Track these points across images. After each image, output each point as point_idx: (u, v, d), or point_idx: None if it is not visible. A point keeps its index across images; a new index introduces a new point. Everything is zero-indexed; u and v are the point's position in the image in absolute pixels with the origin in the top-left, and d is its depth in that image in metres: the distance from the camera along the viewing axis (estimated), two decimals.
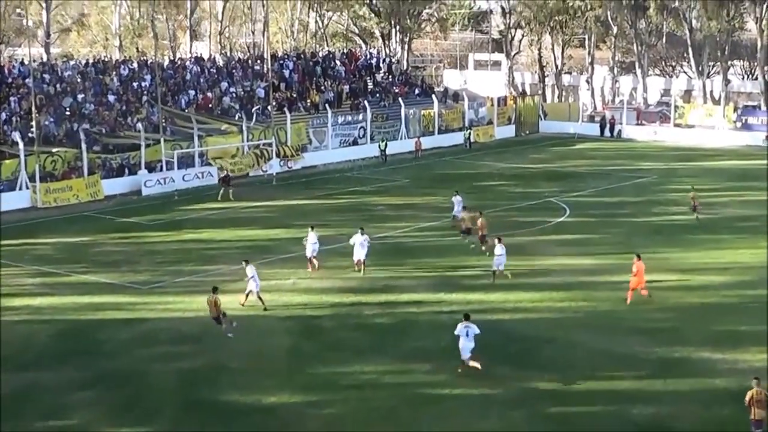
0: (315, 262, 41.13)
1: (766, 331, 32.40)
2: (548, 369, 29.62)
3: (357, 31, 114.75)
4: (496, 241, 39.47)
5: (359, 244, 40.69)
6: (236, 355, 31.25)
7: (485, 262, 40.95)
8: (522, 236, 47.30)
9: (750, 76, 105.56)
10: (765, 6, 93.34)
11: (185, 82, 76.74)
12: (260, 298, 35.99)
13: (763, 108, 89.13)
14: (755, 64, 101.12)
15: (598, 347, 31.21)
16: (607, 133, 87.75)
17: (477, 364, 28.94)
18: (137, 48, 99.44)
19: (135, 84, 73.62)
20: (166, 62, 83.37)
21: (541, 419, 26.36)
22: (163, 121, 65.81)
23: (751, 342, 31.43)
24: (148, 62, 79.14)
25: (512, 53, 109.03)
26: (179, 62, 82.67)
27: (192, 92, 75.00)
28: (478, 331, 29.12)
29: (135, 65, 78.02)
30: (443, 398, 27.76)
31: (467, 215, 45.71)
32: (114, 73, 74.60)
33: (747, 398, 24.04)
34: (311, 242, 41.20)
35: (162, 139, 63.45)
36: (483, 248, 43.04)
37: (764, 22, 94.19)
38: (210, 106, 74.38)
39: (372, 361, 30.64)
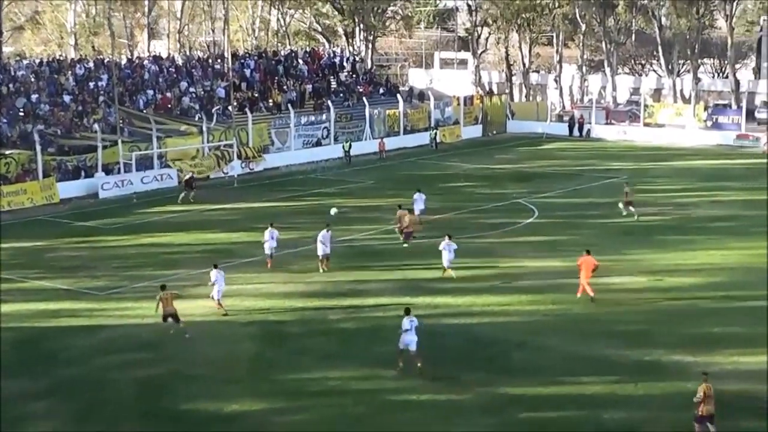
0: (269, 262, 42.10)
1: (739, 333, 32.70)
2: (518, 374, 29.67)
3: (320, 29, 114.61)
4: (447, 238, 40.23)
5: (321, 242, 41.34)
6: (197, 362, 31.10)
7: (454, 264, 41.05)
8: (489, 238, 47.45)
9: (720, 74, 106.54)
10: (735, 3, 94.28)
11: (143, 81, 76.35)
12: (220, 304, 35.93)
13: (734, 107, 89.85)
14: (725, 62, 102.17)
15: (568, 351, 31.30)
16: (575, 132, 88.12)
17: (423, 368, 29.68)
18: (93, 47, 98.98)
19: (91, 84, 73.13)
20: (124, 61, 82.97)
21: (511, 425, 26.39)
22: (121, 122, 65.44)
23: (724, 344, 31.64)
24: (105, 61, 78.73)
25: (479, 51, 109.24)
26: (137, 61, 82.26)
27: (150, 92, 74.64)
28: (417, 324, 30.10)
29: (91, 64, 77.57)
30: (411, 405, 27.74)
31: (401, 215, 46.71)
32: (69, 72, 74.10)
33: (700, 394, 24.60)
34: (270, 239, 42.00)
35: (119, 141, 63.09)
36: (405, 245, 45.38)
37: (734, 19, 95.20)
38: (169, 106, 74.06)
39: (338, 367, 30.57)
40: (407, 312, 30.35)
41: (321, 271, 41.34)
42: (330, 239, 41.85)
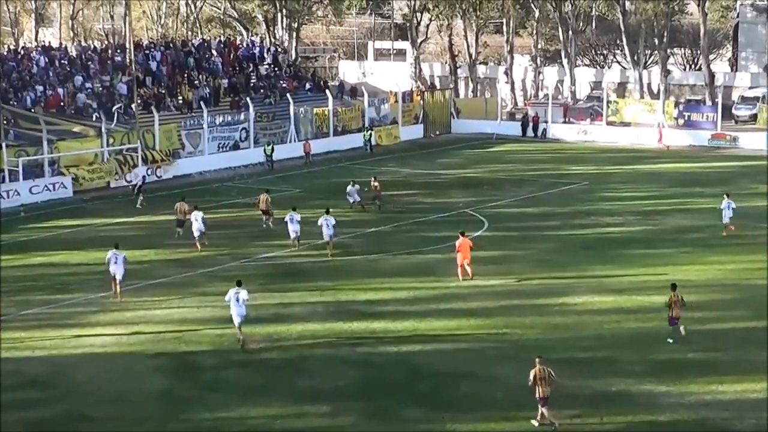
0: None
1: (717, 358, 33.11)
2: (464, 408, 29.75)
3: (236, 15, 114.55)
4: (325, 213, 47.17)
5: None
6: (97, 401, 30.85)
7: (393, 284, 41.21)
8: (432, 254, 47.60)
9: (693, 66, 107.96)
10: None
11: (31, 76, 75.79)
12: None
13: (708, 102, 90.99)
14: (698, 52, 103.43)
15: (522, 382, 31.35)
16: (530, 133, 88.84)
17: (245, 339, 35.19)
18: None
19: None
20: (7, 52, 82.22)
21: None
22: (5, 123, 64.88)
23: (698, 372, 31.97)
24: None
25: (418, 41, 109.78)
26: (23, 52, 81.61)
27: (39, 88, 74.09)
28: (247, 297, 35.33)
29: None
30: None
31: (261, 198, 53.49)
32: None
33: (531, 377, 28.08)
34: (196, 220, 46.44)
35: (3, 145, 62.58)
36: (270, 224, 52.36)
37: (707, 4, 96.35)
38: (62, 104, 73.60)
39: (260, 403, 30.52)
40: (238, 284, 35.58)
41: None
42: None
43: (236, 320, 35.27)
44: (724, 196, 50.56)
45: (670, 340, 34.44)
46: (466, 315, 38.29)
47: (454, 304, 39.79)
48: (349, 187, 57.43)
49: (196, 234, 48.52)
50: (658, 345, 34.73)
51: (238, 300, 35.23)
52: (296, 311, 39.28)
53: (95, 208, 59.75)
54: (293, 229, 48.21)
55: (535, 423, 28.11)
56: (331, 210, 48.64)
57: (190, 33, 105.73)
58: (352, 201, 57.31)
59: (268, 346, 35.52)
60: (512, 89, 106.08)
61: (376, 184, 58.45)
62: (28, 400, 31.02)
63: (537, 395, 28.11)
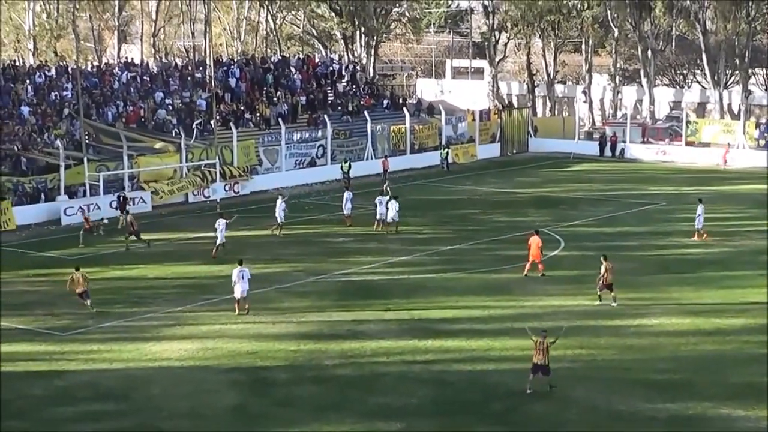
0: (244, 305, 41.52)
1: None
2: (538, 429, 29.58)
3: (315, 33, 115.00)
4: (280, 197, 54.64)
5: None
6: (171, 414, 31.01)
7: (468, 302, 41.10)
8: (507, 273, 47.43)
9: None
10: None
11: (113, 91, 76.56)
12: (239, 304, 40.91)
13: None
14: None
15: (597, 404, 31.19)
16: (607, 152, 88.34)
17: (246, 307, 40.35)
18: (55, 51, 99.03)
19: (53, 94, 73.36)
20: (90, 68, 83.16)
21: None
22: (87, 137, 65.62)
23: None
24: (69, 68, 78.93)
25: (496, 59, 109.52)
26: (106, 68, 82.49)
27: (121, 104, 74.81)
28: (250, 276, 40.39)
29: (53, 72, 77.78)
30: None
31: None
32: (27, 81, 74.33)
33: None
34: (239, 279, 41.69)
35: (85, 159, 63.25)
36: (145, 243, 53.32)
37: None
38: (142, 120, 74.24)
39: (332, 420, 30.48)
40: (240, 263, 40.74)
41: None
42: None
43: (242, 294, 40.48)
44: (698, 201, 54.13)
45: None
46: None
47: (528, 323, 39.47)
48: (346, 194, 59.55)
49: (237, 295, 42.14)
50: (736, 368, 34.29)
51: (243, 277, 40.31)
52: (370, 328, 39.28)
53: (173, 223, 60.26)
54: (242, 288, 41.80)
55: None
56: (401, 229, 50.25)
57: (269, 50, 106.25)
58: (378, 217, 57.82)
59: (342, 362, 35.53)
60: (590, 108, 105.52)
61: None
62: (103, 412, 31.24)
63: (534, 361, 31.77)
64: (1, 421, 30.55)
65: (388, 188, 61.85)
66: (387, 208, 56.51)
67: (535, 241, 45.95)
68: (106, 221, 58.95)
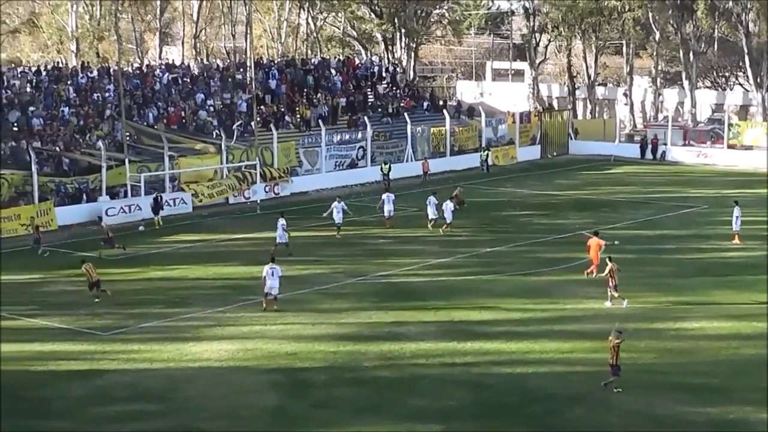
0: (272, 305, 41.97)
1: None
2: None
3: (355, 35, 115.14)
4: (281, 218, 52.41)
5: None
6: (210, 415, 31.12)
7: (508, 305, 41.06)
8: (547, 275, 47.33)
9: None
10: None
11: (154, 93, 76.97)
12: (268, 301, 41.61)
13: None
14: None
15: (636, 408, 31.08)
16: (648, 155, 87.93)
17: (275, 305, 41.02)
18: (97, 53, 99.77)
19: (95, 95, 73.84)
20: (132, 70, 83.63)
21: None
22: (128, 138, 65.95)
23: None
24: (111, 70, 79.41)
25: (537, 61, 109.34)
26: (147, 70, 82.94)
27: (162, 105, 75.21)
28: (281, 273, 41.36)
29: (95, 73, 78.36)
30: None
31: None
32: (70, 82, 74.86)
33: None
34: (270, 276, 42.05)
35: (126, 160, 63.56)
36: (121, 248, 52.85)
37: None
38: (183, 121, 74.58)
39: (371, 421, 30.52)
40: (272, 260, 41.86)
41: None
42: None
43: (273, 291, 41.33)
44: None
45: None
46: (580, 337, 37.94)
47: (568, 326, 39.48)
48: (336, 203, 57.21)
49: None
50: None
51: (273, 274, 41.13)
52: (410, 330, 39.27)
53: (213, 224, 60.47)
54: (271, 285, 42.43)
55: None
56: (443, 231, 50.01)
57: (309, 51, 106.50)
58: (430, 217, 57.92)
59: (381, 364, 35.56)
60: (631, 111, 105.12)
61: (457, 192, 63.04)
62: (142, 412, 31.41)
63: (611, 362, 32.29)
64: (37, 420, 30.82)
65: (460, 191, 63.97)
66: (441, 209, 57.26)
67: (594, 242, 45.97)
68: (141, 228, 59.38)
